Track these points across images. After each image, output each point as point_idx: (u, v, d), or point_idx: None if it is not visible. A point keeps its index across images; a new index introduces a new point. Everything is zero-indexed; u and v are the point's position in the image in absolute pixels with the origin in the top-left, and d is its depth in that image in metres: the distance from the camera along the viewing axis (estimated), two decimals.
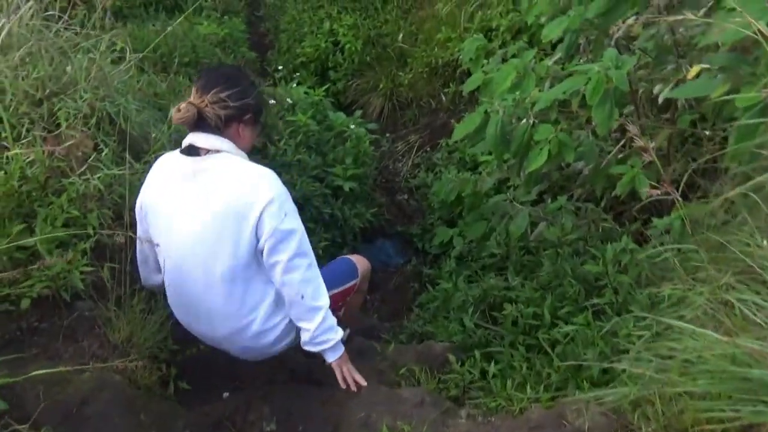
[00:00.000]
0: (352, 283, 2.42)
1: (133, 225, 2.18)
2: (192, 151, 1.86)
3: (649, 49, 2.45)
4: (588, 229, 2.84)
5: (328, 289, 1.97)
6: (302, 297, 1.84)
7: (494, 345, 2.64)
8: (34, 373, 1.51)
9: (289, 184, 3.44)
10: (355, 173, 3.80)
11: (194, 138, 1.84)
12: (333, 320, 1.91)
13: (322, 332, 1.88)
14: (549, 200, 3.39)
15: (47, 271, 1.91)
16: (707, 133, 2.43)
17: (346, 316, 2.44)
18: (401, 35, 5.30)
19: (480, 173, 3.79)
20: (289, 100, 3.92)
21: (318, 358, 2.02)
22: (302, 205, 3.54)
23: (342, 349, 1.95)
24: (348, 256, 2.57)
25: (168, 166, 1.93)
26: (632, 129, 1.95)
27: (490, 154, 4.25)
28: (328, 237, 3.56)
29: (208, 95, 1.80)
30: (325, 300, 1.89)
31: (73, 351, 1.92)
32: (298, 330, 1.97)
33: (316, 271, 1.89)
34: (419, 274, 4.03)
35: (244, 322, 1.91)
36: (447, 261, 3.68)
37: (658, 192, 1.93)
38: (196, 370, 2.17)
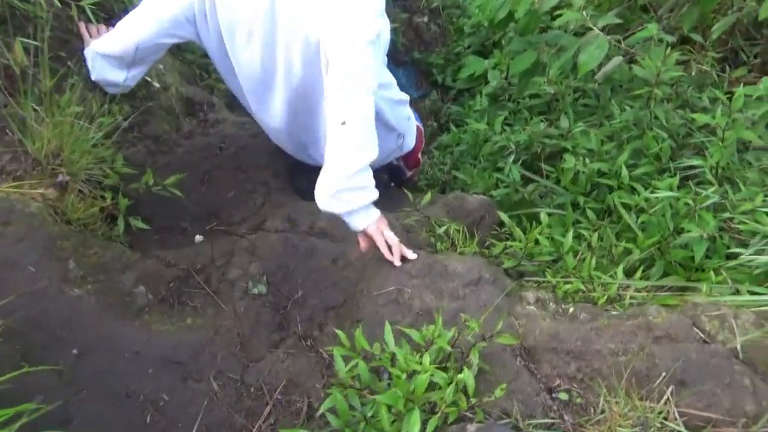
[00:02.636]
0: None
1: None
2: None
3: None
4: (684, 70, 2.16)
5: None
6: (343, 123, 1.26)
7: (543, 205, 2.10)
8: None
9: None
10: None
11: None
12: (369, 177, 1.32)
13: (352, 189, 1.29)
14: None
15: None
16: None
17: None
18: None
19: None
20: None
21: None
22: None
23: (376, 212, 1.36)
24: None
25: None
26: None
27: None
28: None
29: None
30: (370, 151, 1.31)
31: None
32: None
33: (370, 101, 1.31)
34: (438, 112, 3.38)
35: None
36: (478, 98, 3.01)
37: None
38: (159, 203, 1.59)
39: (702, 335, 1.07)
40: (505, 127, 2.62)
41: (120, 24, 1.50)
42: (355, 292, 1.36)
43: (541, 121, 2.56)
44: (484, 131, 2.65)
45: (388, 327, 1.04)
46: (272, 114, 1.59)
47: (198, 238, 1.61)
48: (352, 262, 1.46)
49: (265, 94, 1.55)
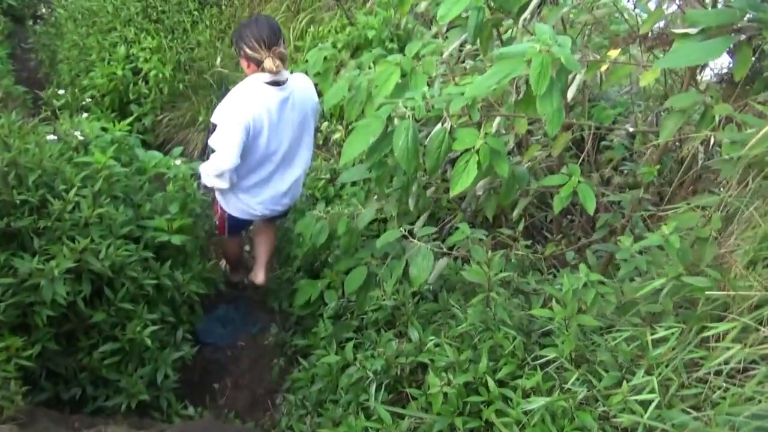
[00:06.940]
0: None
1: None
2: (279, 83, 2.61)
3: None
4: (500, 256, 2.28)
5: None
6: None
7: None
8: None
9: (91, 252, 2.38)
10: (185, 224, 2.85)
11: (281, 76, 2.60)
12: None
13: None
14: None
15: None
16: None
17: None
18: (219, 58, 4.45)
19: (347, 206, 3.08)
20: (78, 135, 2.85)
21: None
22: (111, 278, 2.48)
23: None
24: None
25: (264, 96, 2.60)
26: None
27: (355, 184, 3.62)
28: (154, 319, 2.54)
29: (281, 45, 2.56)
30: None
31: None
32: None
33: None
34: (283, 345, 3.17)
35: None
36: (321, 323, 2.88)
37: None
38: None
39: None
40: (356, 351, 2.50)
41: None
42: None
43: (391, 336, 2.49)
44: (337, 362, 2.49)
45: None
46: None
47: None
48: None
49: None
